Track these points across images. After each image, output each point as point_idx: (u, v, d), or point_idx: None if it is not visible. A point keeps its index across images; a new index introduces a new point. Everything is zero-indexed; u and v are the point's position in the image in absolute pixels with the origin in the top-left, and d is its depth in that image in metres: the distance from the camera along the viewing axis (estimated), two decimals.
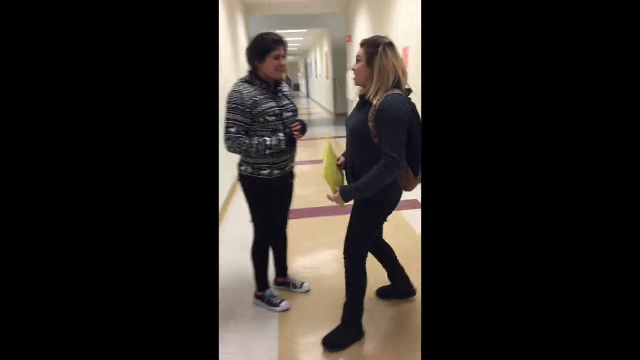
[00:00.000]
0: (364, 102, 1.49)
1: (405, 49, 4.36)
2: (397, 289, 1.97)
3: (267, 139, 1.69)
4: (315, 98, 16.01)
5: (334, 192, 1.56)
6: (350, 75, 8.18)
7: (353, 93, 7.56)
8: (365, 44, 1.46)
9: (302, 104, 15.93)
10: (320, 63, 13.13)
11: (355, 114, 1.52)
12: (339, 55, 9.89)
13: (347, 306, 1.69)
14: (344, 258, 1.64)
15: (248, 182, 1.78)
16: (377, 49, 1.42)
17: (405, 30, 4.37)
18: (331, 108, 11.07)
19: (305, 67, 20.05)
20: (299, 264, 2.46)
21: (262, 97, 1.68)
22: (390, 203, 1.56)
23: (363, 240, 1.61)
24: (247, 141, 1.66)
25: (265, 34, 1.68)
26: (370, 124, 1.42)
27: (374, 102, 1.41)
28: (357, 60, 1.49)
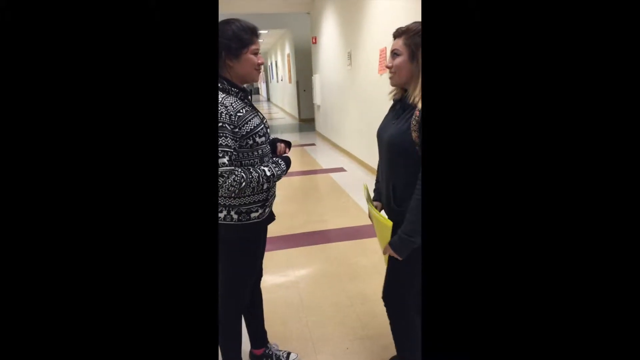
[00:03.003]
0: (402, 107, 1.19)
1: (383, 50, 3.96)
2: None
3: (265, 168, 1.21)
4: (277, 103, 15.52)
5: (385, 247, 1.21)
6: (318, 79, 7.81)
7: (320, 98, 7.20)
8: (404, 33, 1.14)
9: (263, 109, 15.35)
10: (282, 66, 12.63)
11: (393, 123, 1.20)
12: (302, 58, 9.42)
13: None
14: (385, 307, 1.33)
15: (234, 234, 1.24)
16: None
17: (382, 29, 3.96)
18: (295, 113, 10.58)
19: (265, 70, 19.48)
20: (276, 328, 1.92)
21: (244, 111, 1.18)
22: None
23: (408, 287, 1.26)
24: (244, 175, 1.15)
25: (237, 20, 1.18)
26: (414, 135, 1.11)
27: (420, 104, 1.10)
28: (395, 55, 1.16)
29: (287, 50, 10.80)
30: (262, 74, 21.91)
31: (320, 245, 2.75)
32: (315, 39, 7.13)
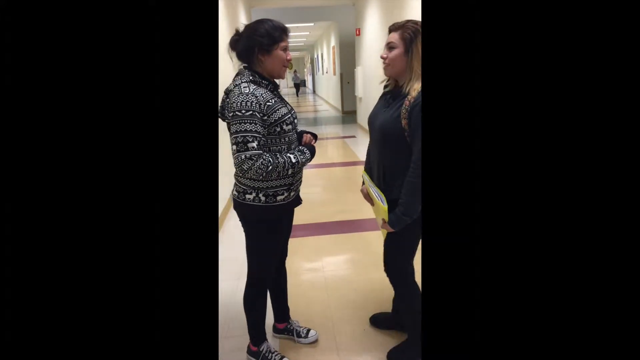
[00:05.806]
0: (393, 96, 1.32)
1: None
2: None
3: (291, 155, 1.33)
4: (322, 95, 15.62)
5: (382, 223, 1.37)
6: (360, 71, 7.78)
7: (362, 90, 7.20)
8: (400, 27, 1.25)
9: (308, 101, 15.54)
10: (327, 58, 12.69)
11: (384, 111, 1.34)
12: (347, 50, 9.43)
13: (408, 321, 1.53)
14: (388, 277, 1.50)
15: (260, 214, 1.36)
16: (417, 32, 1.24)
17: None
18: (339, 106, 10.63)
19: (312, 62, 19.65)
20: (301, 301, 2.04)
21: (273, 101, 1.31)
22: None
23: (407, 256, 1.44)
24: (271, 159, 1.27)
25: (269, 20, 1.32)
26: (403, 122, 1.24)
27: (413, 93, 1.22)
28: (390, 48, 1.28)
29: (333, 42, 10.84)
30: (308, 67, 22.08)
31: (350, 234, 2.83)
32: (359, 31, 7.12)
